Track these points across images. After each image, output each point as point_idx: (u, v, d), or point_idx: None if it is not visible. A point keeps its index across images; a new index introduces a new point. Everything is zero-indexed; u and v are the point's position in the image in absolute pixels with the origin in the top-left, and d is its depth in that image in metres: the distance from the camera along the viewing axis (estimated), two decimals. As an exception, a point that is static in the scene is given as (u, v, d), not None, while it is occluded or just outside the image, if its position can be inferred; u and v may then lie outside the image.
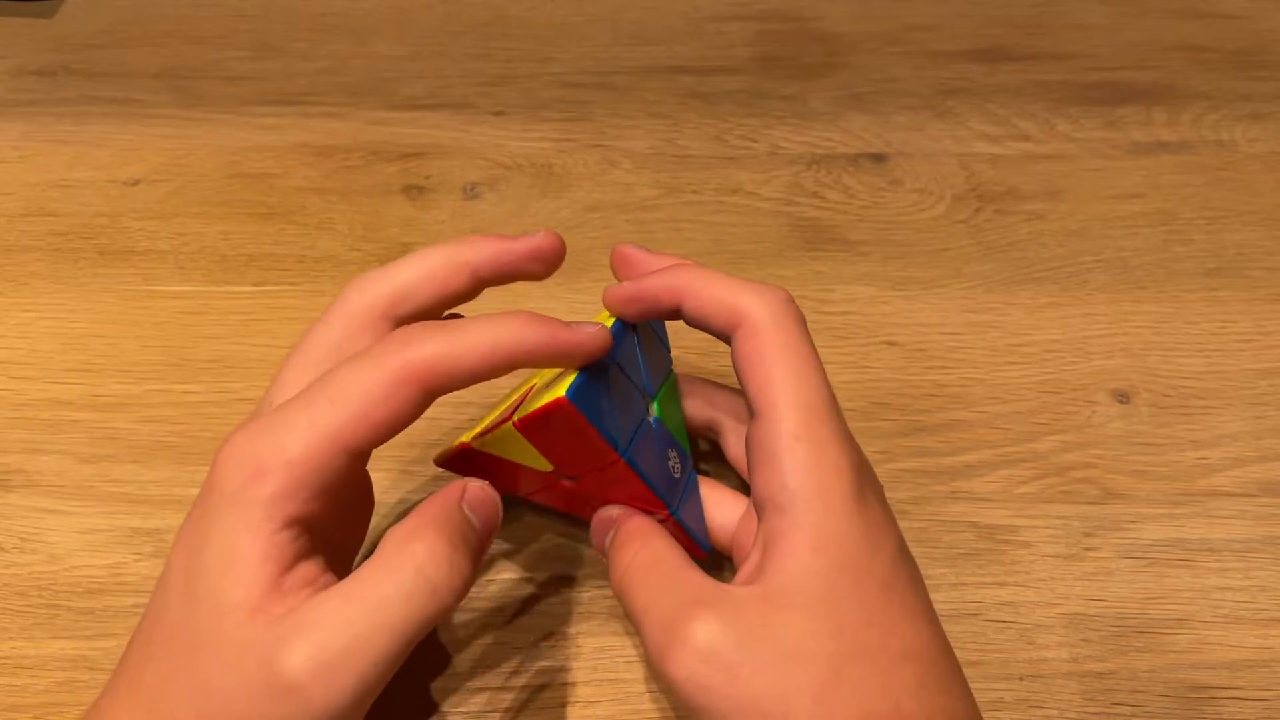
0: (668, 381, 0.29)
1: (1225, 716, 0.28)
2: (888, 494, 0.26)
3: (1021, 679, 0.29)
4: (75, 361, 0.36)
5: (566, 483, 0.27)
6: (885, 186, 0.43)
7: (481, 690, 0.28)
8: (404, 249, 0.41)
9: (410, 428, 0.23)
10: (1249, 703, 0.28)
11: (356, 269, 0.40)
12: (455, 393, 0.23)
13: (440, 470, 0.29)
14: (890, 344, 0.37)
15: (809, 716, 0.21)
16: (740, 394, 0.27)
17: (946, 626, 0.24)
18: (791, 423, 0.23)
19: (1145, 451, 0.34)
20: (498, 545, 0.31)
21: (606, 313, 0.28)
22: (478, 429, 0.28)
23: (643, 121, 0.46)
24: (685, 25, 0.52)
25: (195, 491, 0.23)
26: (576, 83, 0.48)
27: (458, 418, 0.34)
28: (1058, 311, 0.38)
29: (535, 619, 0.30)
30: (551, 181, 0.43)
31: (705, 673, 0.21)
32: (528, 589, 0.31)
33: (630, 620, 0.24)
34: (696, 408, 0.30)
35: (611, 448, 0.25)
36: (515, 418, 0.25)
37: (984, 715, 0.23)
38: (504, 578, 0.31)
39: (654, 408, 0.28)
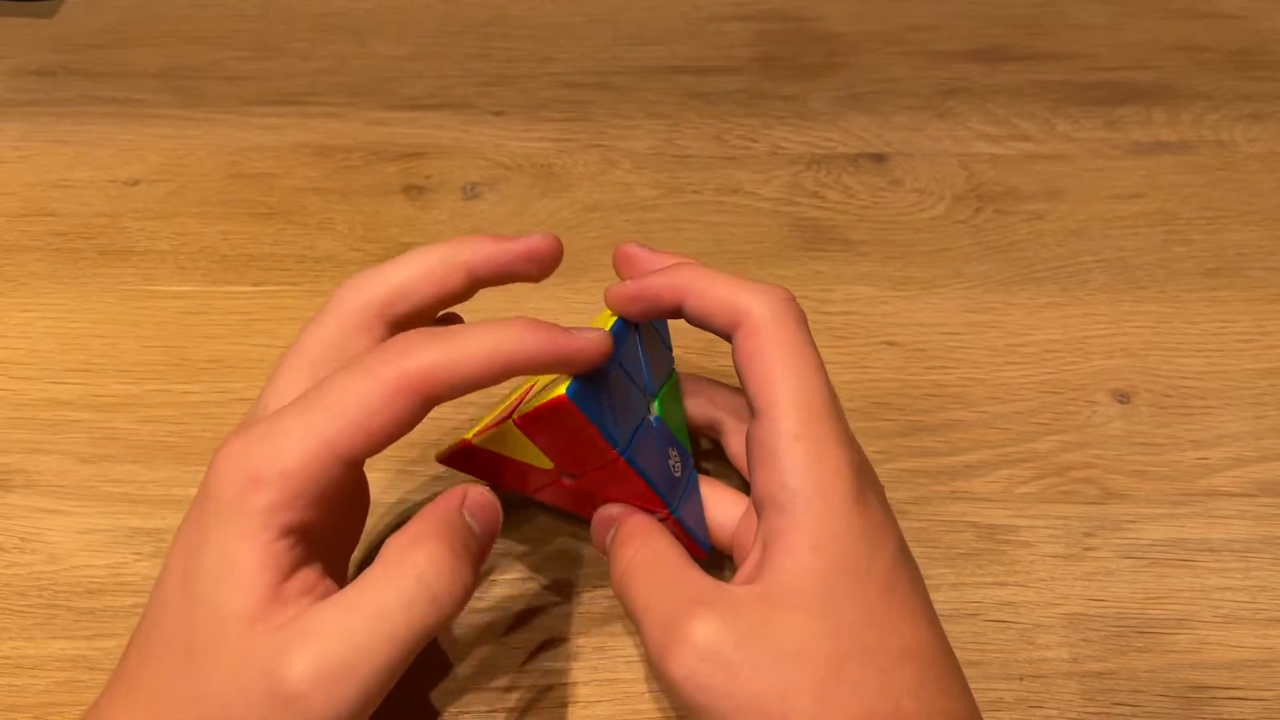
0: (669, 380, 0.29)
1: (1225, 716, 0.28)
2: (888, 494, 0.26)
3: (1021, 679, 0.29)
4: (75, 361, 0.36)
5: (567, 480, 0.27)
6: (885, 186, 0.43)
7: (481, 690, 0.28)
8: (404, 249, 0.40)
9: (410, 427, 0.23)
10: (1249, 703, 0.28)
11: (356, 269, 0.39)
12: (455, 393, 0.23)
13: (440, 469, 0.29)
14: (890, 344, 0.37)
15: (808, 716, 0.21)
16: (742, 393, 0.27)
17: (946, 626, 0.24)
18: (792, 422, 0.23)
19: (1145, 451, 0.34)
20: (498, 545, 0.31)
21: (608, 311, 0.28)
22: (479, 426, 0.28)
23: (643, 121, 0.46)
24: (685, 25, 0.52)
25: (195, 492, 0.23)
26: (576, 83, 0.48)
27: (458, 417, 0.34)
28: (1058, 311, 0.38)
29: (535, 619, 0.30)
30: (551, 181, 0.43)
31: (705, 672, 0.21)
32: (528, 589, 0.31)
33: (630, 619, 0.24)
34: (698, 407, 0.30)
35: (612, 446, 0.25)
36: (516, 415, 0.25)
37: (984, 715, 0.23)
38: (504, 578, 0.31)
39: (655, 406, 0.28)
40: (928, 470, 0.33)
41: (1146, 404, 0.35)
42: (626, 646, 0.29)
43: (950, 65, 0.49)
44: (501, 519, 0.25)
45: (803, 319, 0.25)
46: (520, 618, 0.30)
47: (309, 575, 0.22)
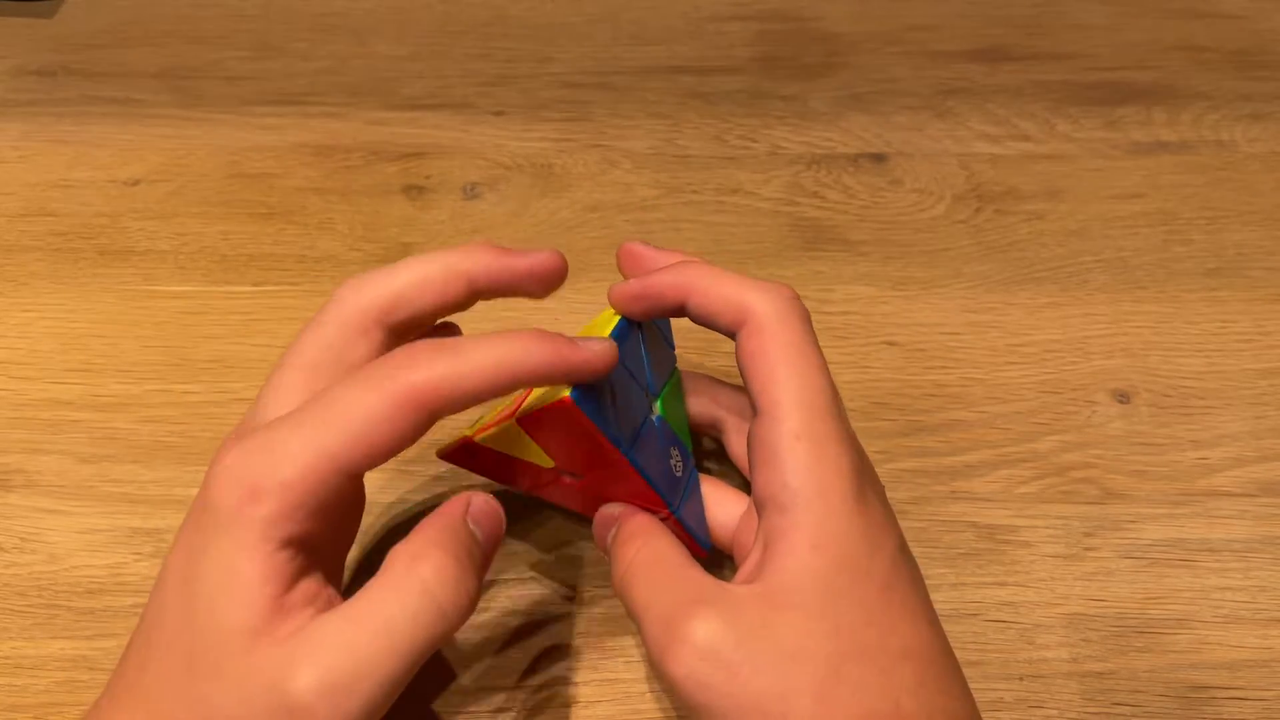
0: (672, 379, 0.29)
1: (1225, 716, 0.28)
2: (888, 494, 0.26)
3: (1021, 679, 0.29)
4: (75, 361, 0.36)
5: (568, 479, 0.27)
6: (885, 186, 0.43)
7: (481, 690, 0.28)
8: (404, 249, 0.41)
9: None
10: (1249, 703, 0.28)
11: (356, 269, 0.40)
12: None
13: (440, 467, 0.29)
14: (890, 344, 0.37)
15: (808, 715, 0.21)
16: (744, 392, 0.27)
17: (946, 626, 0.24)
18: (794, 421, 0.23)
19: (1145, 451, 0.34)
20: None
21: (610, 310, 0.28)
22: (480, 423, 0.28)
23: (643, 121, 0.46)
24: (685, 25, 0.52)
25: (195, 492, 0.23)
26: (576, 83, 0.48)
27: (460, 415, 0.34)
28: (1058, 311, 0.38)
29: (535, 619, 0.30)
30: (551, 181, 0.43)
31: (705, 671, 0.21)
32: (528, 589, 0.31)
33: (631, 618, 0.24)
34: (700, 405, 0.30)
35: (614, 447, 0.25)
36: (519, 415, 0.25)
37: (984, 715, 0.23)
38: (504, 578, 0.31)
39: (657, 406, 0.28)
40: (928, 470, 0.33)
41: (1146, 404, 0.35)
42: (626, 646, 0.29)
43: (950, 65, 0.49)
44: (505, 526, 0.24)
45: (807, 318, 0.25)
46: (520, 618, 0.30)
47: (310, 585, 0.22)
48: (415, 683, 0.28)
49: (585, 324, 0.30)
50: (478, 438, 0.27)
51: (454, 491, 0.33)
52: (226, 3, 0.53)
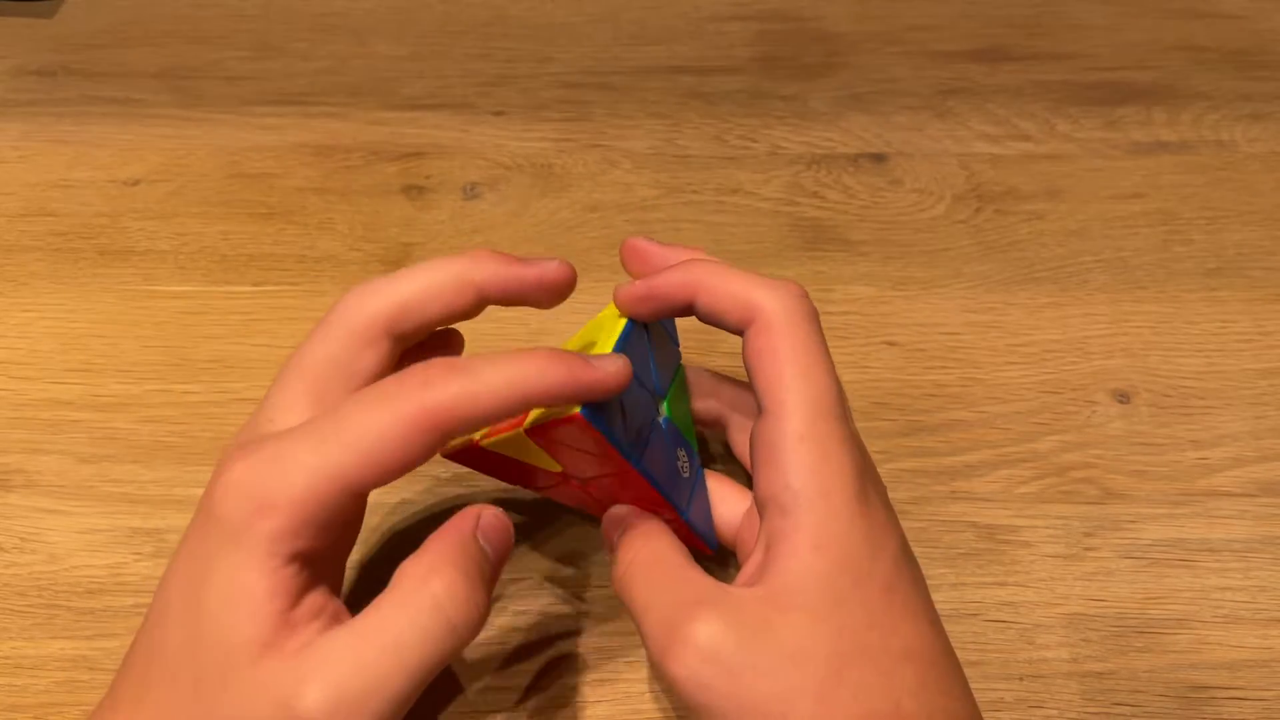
0: (677, 377, 0.29)
1: (1225, 716, 0.28)
2: (888, 494, 0.26)
3: (1021, 679, 0.29)
4: (75, 361, 0.36)
5: (576, 482, 0.27)
6: (885, 186, 0.43)
7: (481, 690, 0.28)
8: (404, 249, 0.40)
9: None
10: (1249, 703, 0.28)
11: (356, 269, 0.40)
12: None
13: (443, 467, 0.29)
14: (890, 344, 0.37)
15: (809, 716, 0.21)
16: (748, 387, 0.26)
17: (947, 626, 0.24)
18: (797, 422, 0.23)
19: (1145, 451, 0.34)
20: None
21: (612, 307, 0.28)
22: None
23: (643, 121, 0.46)
24: (685, 25, 0.52)
25: (195, 492, 0.23)
26: (576, 83, 0.48)
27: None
28: (1058, 311, 0.38)
29: (535, 619, 0.30)
30: (551, 181, 0.43)
31: (707, 673, 0.21)
32: (527, 589, 0.31)
33: (631, 619, 0.24)
34: (704, 402, 0.30)
35: (624, 458, 0.24)
36: (527, 424, 0.25)
37: (984, 715, 0.23)
38: (504, 578, 0.31)
39: (664, 407, 0.28)
40: (928, 470, 0.33)
41: (1146, 404, 0.35)
42: (626, 646, 0.29)
43: (950, 65, 0.49)
44: (513, 539, 0.24)
45: (815, 317, 0.25)
46: (520, 618, 0.30)
47: (316, 598, 0.22)
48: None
49: (586, 324, 0.30)
50: (484, 442, 0.27)
51: (459, 497, 0.33)
52: (226, 3, 0.53)
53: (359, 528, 0.27)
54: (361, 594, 0.30)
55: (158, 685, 0.21)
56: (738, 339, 0.26)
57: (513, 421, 0.26)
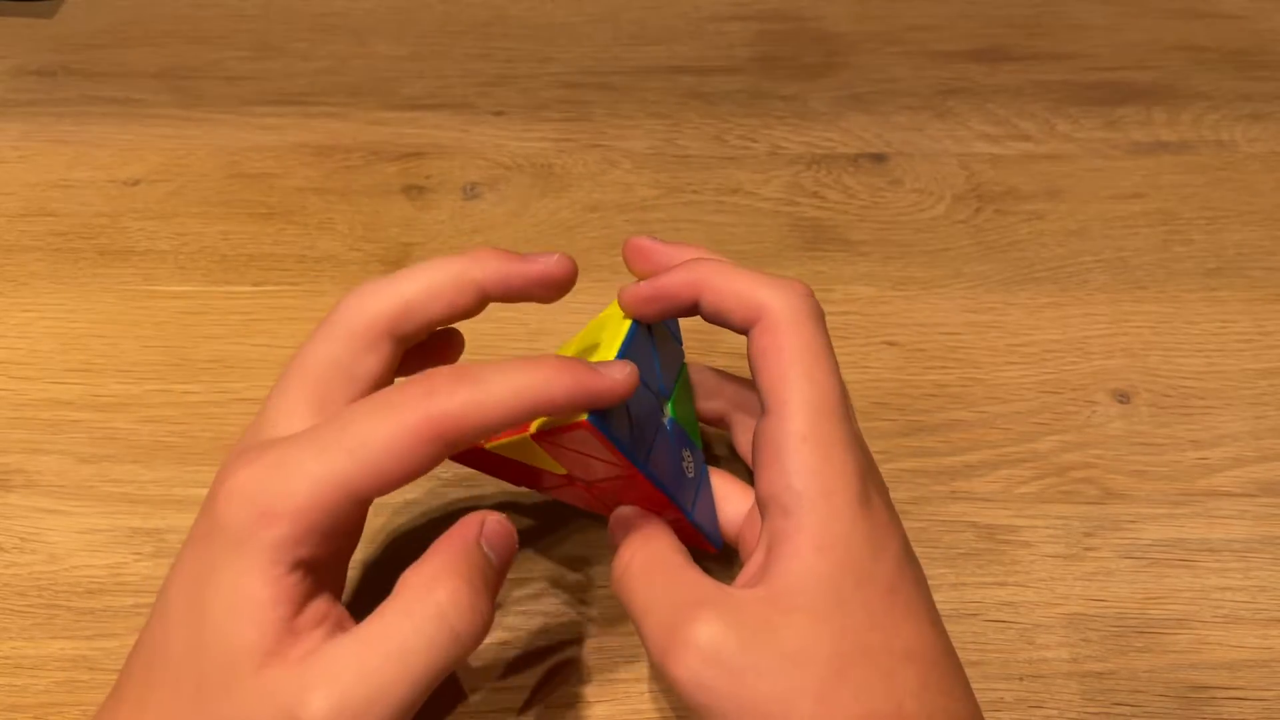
0: (680, 376, 0.29)
1: (1225, 716, 0.28)
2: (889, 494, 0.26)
3: (1021, 679, 0.29)
4: (75, 361, 0.36)
5: (580, 484, 0.27)
6: (885, 186, 0.43)
7: (481, 691, 0.28)
8: (404, 249, 0.40)
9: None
10: (1249, 703, 0.28)
11: (357, 269, 0.40)
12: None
13: (447, 467, 0.29)
14: (890, 344, 0.37)
15: (810, 717, 0.21)
16: (750, 385, 0.26)
17: (947, 626, 0.24)
18: (800, 422, 0.23)
19: (1145, 451, 0.34)
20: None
21: (614, 306, 0.28)
22: None
23: (643, 121, 0.46)
24: (685, 25, 0.52)
25: (195, 492, 0.23)
26: (576, 83, 0.48)
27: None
28: (1058, 311, 0.38)
29: (534, 619, 0.30)
30: (551, 181, 0.43)
31: (708, 674, 0.21)
32: (527, 589, 0.31)
33: (631, 620, 0.24)
34: (708, 402, 0.30)
35: (630, 461, 0.24)
36: (533, 430, 0.25)
37: (984, 715, 0.23)
38: (507, 581, 0.30)
39: (669, 408, 0.28)
40: (928, 470, 0.33)
41: (1146, 404, 0.35)
42: (626, 646, 0.29)
43: (950, 65, 0.49)
44: (516, 546, 0.24)
45: (821, 316, 0.25)
46: (519, 618, 0.30)
47: (320, 605, 0.22)
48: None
49: (588, 324, 0.30)
50: (489, 445, 0.27)
51: (464, 498, 0.33)
52: (226, 3, 0.53)
53: (360, 533, 0.27)
54: (364, 594, 0.30)
55: (160, 690, 0.21)
56: (738, 337, 0.26)
57: (519, 426, 0.26)
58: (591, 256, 0.40)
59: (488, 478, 0.29)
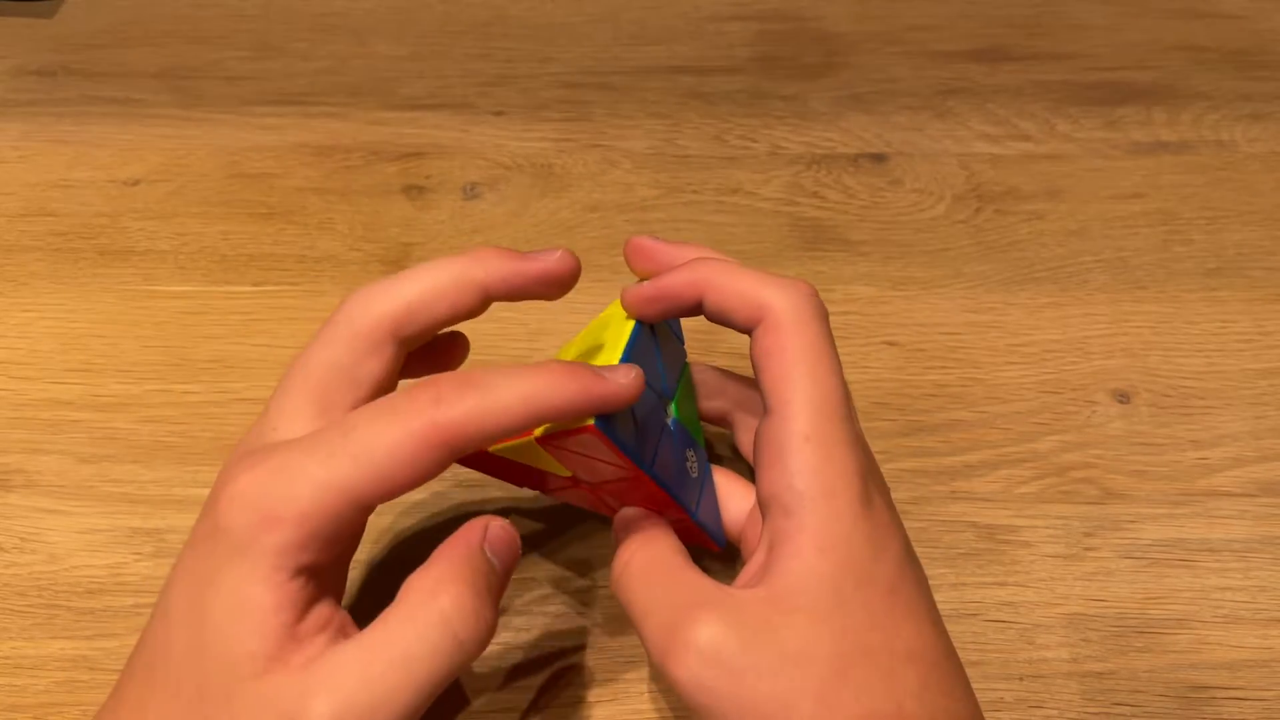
0: (683, 376, 0.29)
1: (1225, 716, 0.28)
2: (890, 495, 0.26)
3: (1021, 679, 0.29)
4: (75, 361, 0.36)
5: (585, 485, 0.27)
6: (885, 186, 0.43)
7: (481, 691, 0.28)
8: (404, 249, 0.40)
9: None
10: (1249, 703, 0.28)
11: (357, 269, 0.40)
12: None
13: (453, 467, 0.29)
14: (890, 344, 0.37)
15: (811, 718, 0.21)
16: (752, 384, 0.26)
17: (947, 626, 0.24)
18: (802, 422, 0.23)
19: (1145, 451, 0.34)
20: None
21: (615, 305, 0.27)
22: None
23: (643, 121, 0.46)
24: (685, 25, 0.52)
25: (195, 492, 0.23)
26: (576, 83, 0.48)
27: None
28: (1058, 311, 0.38)
29: (534, 620, 0.30)
30: (551, 181, 0.43)
31: (709, 675, 0.21)
32: (527, 590, 0.31)
33: (630, 620, 0.24)
34: (710, 401, 0.29)
35: (635, 464, 0.24)
36: (538, 434, 0.25)
37: (984, 715, 0.23)
38: (510, 585, 0.31)
39: (672, 409, 0.28)
40: (928, 470, 0.33)
41: (1146, 404, 0.35)
42: (626, 646, 0.29)
43: (950, 65, 0.49)
44: (520, 551, 0.24)
45: (825, 316, 0.25)
46: (519, 617, 0.30)
47: (323, 610, 0.22)
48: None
49: (589, 324, 0.30)
50: (494, 448, 0.27)
51: (467, 500, 0.33)
52: (226, 3, 0.53)
53: (361, 536, 0.27)
54: (368, 596, 0.30)
55: (160, 693, 0.21)
56: (739, 336, 0.26)
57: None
58: (592, 256, 0.40)
59: (492, 479, 0.29)
